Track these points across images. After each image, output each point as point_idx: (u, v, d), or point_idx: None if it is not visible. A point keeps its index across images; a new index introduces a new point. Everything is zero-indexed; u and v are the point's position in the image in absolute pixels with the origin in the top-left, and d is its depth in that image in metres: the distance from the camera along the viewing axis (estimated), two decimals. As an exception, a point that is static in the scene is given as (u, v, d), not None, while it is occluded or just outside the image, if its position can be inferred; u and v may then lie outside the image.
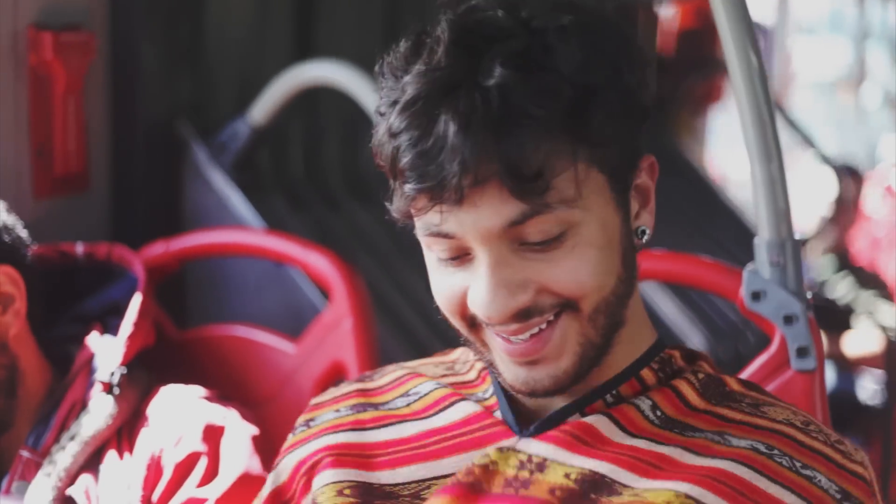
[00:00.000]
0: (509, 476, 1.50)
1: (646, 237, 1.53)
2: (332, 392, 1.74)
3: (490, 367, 1.54)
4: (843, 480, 1.48)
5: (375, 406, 1.67)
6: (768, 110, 1.89)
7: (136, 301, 2.18)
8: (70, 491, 2.00)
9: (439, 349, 3.00)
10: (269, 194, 2.99)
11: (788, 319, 1.91)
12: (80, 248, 2.28)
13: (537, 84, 1.39)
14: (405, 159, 1.41)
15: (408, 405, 1.65)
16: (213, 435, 2.04)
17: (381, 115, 1.46)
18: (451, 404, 1.62)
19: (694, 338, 3.73)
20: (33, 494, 1.98)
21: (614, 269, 1.48)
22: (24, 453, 2.03)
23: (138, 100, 2.73)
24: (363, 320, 2.29)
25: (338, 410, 1.68)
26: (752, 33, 1.88)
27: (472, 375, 1.67)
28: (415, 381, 1.68)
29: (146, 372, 2.16)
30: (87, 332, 2.17)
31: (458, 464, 1.54)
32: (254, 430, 2.09)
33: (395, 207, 1.47)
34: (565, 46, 1.42)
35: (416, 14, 3.60)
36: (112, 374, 2.08)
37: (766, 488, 1.45)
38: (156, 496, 2.00)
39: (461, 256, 1.46)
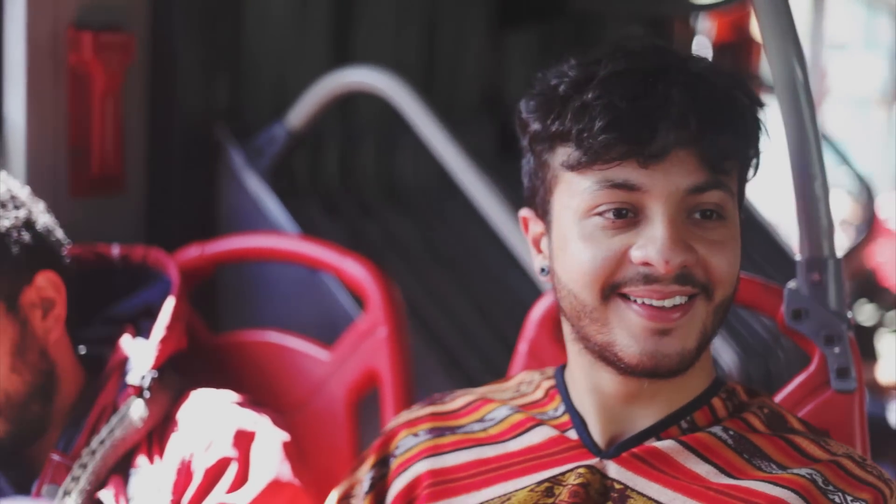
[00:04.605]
0: (597, 502, 1.64)
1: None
2: (406, 415, 1.86)
3: (601, 350, 1.63)
4: None
5: (453, 429, 1.79)
6: (813, 127, 1.87)
7: (170, 304, 2.17)
8: (100, 494, 2.00)
9: (470, 358, 3.03)
10: (304, 199, 2.98)
11: (829, 339, 1.90)
12: (115, 250, 2.27)
13: (738, 86, 1.64)
14: (615, 110, 1.57)
15: (484, 430, 1.77)
16: (243, 440, 2.04)
17: (560, 85, 1.63)
18: (529, 429, 1.73)
19: (725, 355, 3.69)
20: (63, 498, 1.98)
21: (737, 277, 1.66)
22: (55, 457, 2.03)
23: (176, 102, 2.74)
24: (398, 329, 2.28)
25: (416, 435, 1.80)
26: (798, 48, 1.87)
27: (539, 395, 1.78)
28: (488, 407, 1.80)
29: (178, 376, 2.16)
30: (120, 335, 2.17)
31: (538, 479, 1.68)
32: (285, 436, 2.09)
33: (568, 159, 1.62)
34: (746, 82, 1.68)
35: (453, 20, 3.60)
36: (143, 377, 2.08)
37: None
38: (185, 501, 1.99)
39: (627, 216, 1.60)
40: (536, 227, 1.74)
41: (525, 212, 1.76)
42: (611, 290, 1.61)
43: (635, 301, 1.60)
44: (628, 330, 1.61)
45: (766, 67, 5.11)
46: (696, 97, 1.59)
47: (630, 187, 1.59)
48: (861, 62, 10.40)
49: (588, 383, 1.70)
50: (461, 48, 3.65)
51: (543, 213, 1.70)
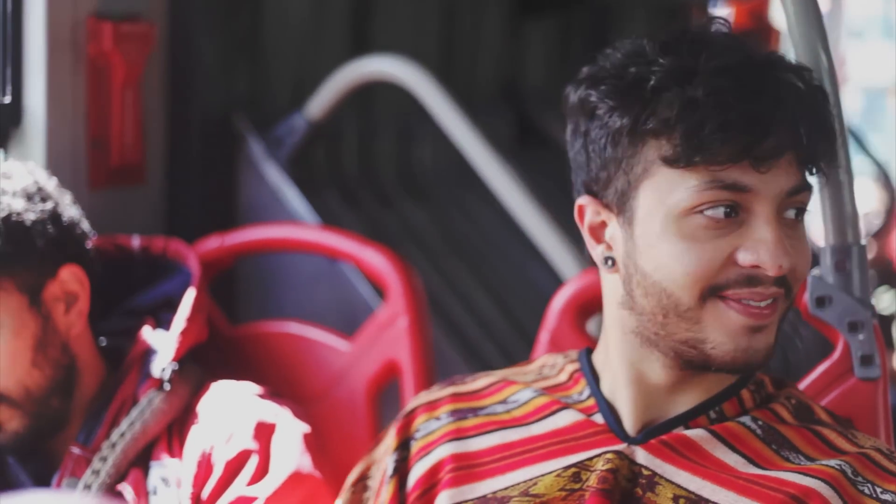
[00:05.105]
0: (625, 489, 1.62)
1: None
2: (426, 396, 1.84)
3: (684, 345, 1.61)
4: None
5: (475, 411, 1.77)
6: (838, 112, 1.85)
7: (190, 296, 2.16)
8: (120, 487, 1.99)
9: (489, 347, 3.02)
10: (323, 190, 2.97)
11: (853, 326, 1.88)
12: (136, 242, 2.26)
13: (822, 88, 1.65)
14: (728, 110, 1.54)
15: (507, 412, 1.75)
16: (264, 433, 2.03)
17: (653, 75, 1.58)
18: (554, 412, 1.71)
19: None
20: (83, 491, 1.97)
21: None
22: (75, 450, 2.02)
23: (195, 93, 2.72)
24: (419, 319, 2.27)
25: (438, 418, 1.78)
26: (822, 33, 1.85)
27: (562, 378, 1.77)
28: (511, 389, 1.78)
29: (198, 368, 2.15)
30: (140, 327, 2.15)
31: (565, 463, 1.66)
32: (305, 428, 2.08)
33: (668, 153, 1.57)
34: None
35: (471, 9, 3.59)
36: (164, 369, 2.07)
37: None
38: (205, 493, 1.98)
39: (731, 217, 1.57)
40: (598, 216, 1.66)
41: (584, 199, 1.68)
42: (711, 291, 1.59)
43: (733, 300, 1.59)
44: (725, 328, 1.59)
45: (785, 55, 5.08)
46: (802, 98, 1.59)
47: (741, 188, 1.57)
48: (878, 51, 10.35)
49: (630, 373, 1.68)
50: (480, 37, 3.64)
51: (620, 205, 1.63)
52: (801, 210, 1.62)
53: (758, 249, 1.57)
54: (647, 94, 1.57)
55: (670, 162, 1.57)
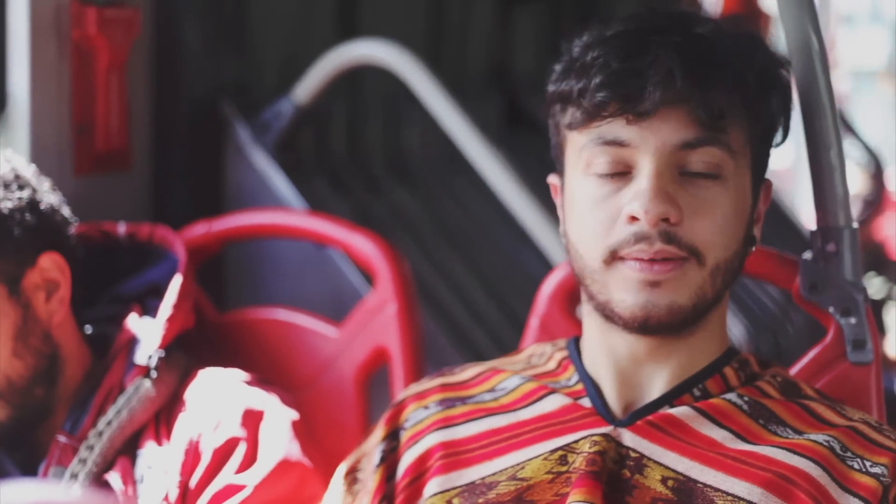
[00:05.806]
0: (613, 471, 1.62)
1: (753, 247, 1.71)
2: (415, 388, 1.83)
3: (602, 309, 1.66)
4: None
5: (463, 400, 1.77)
6: (829, 95, 1.86)
7: (177, 283, 2.15)
8: (107, 476, 1.98)
9: (479, 333, 3.02)
10: (311, 175, 2.96)
11: (846, 310, 1.87)
12: (122, 228, 2.24)
13: (742, 46, 1.66)
14: (608, 70, 1.61)
15: (495, 399, 1.76)
16: (252, 420, 2.01)
17: (575, 48, 1.68)
18: (542, 397, 1.72)
19: (734, 329, 3.69)
20: (70, 479, 1.96)
21: (736, 240, 1.66)
22: (61, 438, 2.00)
23: (181, 78, 2.71)
24: (408, 305, 2.25)
25: (426, 408, 1.79)
26: (814, 15, 1.85)
27: (551, 365, 1.78)
28: (499, 377, 1.79)
29: (185, 355, 2.13)
30: (126, 314, 2.14)
31: (551, 447, 1.67)
32: (294, 415, 2.06)
33: (571, 119, 1.66)
34: (760, 43, 1.71)
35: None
36: (150, 357, 2.05)
37: (835, 494, 1.59)
38: (193, 482, 1.97)
39: (620, 174, 1.62)
40: (555, 193, 1.76)
41: (552, 177, 1.77)
42: (611, 255, 1.63)
43: (629, 259, 1.62)
44: (625, 286, 1.62)
45: (775, 39, 5.08)
46: (688, 56, 1.61)
47: (620, 143, 1.62)
48: (867, 35, 10.40)
49: (602, 345, 1.70)
50: (469, 21, 3.63)
51: (560, 177, 1.72)
52: (712, 172, 1.63)
53: (633, 201, 1.61)
54: (568, 66, 1.67)
55: (570, 126, 1.66)
